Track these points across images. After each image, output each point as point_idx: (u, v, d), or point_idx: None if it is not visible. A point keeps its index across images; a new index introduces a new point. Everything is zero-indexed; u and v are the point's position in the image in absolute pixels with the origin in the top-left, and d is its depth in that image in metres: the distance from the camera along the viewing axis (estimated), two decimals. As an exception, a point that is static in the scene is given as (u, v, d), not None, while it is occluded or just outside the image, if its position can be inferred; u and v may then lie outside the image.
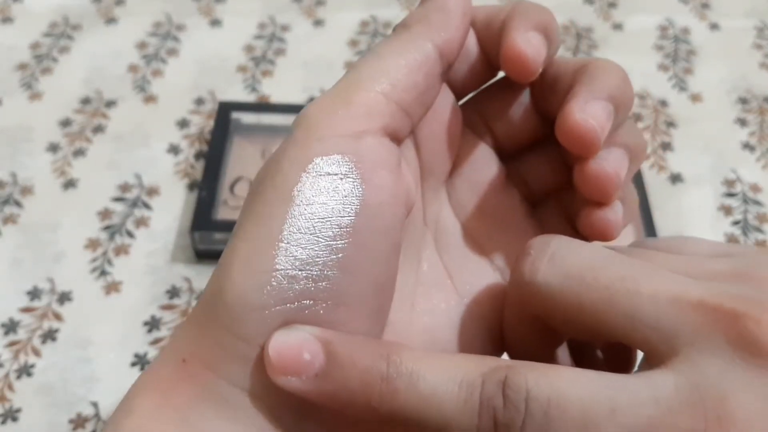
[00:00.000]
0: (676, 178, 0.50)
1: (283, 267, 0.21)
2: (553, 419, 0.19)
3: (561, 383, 0.19)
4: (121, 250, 0.45)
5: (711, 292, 0.20)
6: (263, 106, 0.52)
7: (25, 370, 0.40)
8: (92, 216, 0.46)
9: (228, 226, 0.43)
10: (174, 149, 0.50)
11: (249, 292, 0.21)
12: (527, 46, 0.24)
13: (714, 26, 0.60)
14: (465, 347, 0.25)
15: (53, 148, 0.50)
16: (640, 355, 0.22)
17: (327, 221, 0.21)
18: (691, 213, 0.48)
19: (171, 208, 0.47)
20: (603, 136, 0.23)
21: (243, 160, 0.48)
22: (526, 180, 0.28)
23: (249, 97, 0.53)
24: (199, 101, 0.53)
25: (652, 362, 0.20)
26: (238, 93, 0.54)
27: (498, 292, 0.26)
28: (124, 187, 0.48)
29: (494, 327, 0.26)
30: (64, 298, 0.43)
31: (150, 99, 0.53)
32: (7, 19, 0.58)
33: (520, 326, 0.25)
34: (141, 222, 0.46)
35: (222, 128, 0.49)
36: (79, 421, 0.38)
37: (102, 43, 0.56)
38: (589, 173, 0.24)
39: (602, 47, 0.58)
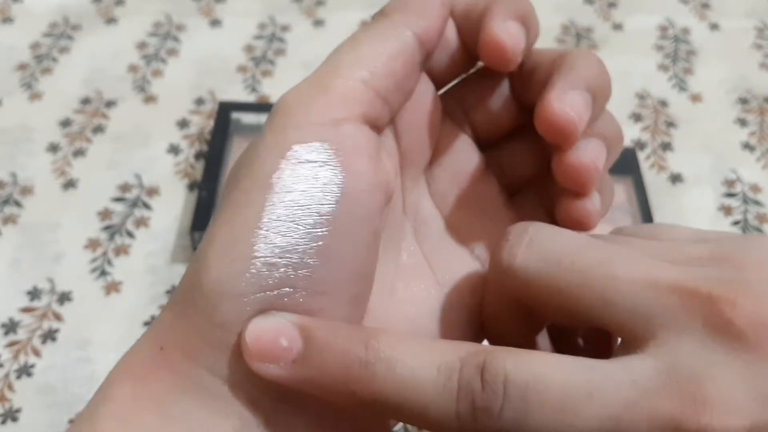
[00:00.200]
0: (676, 178, 0.50)
1: (262, 254, 0.21)
2: (531, 403, 0.19)
3: (539, 367, 0.19)
4: (121, 250, 0.45)
5: (686, 276, 0.20)
6: (263, 106, 0.52)
7: (25, 370, 0.40)
8: (92, 216, 0.46)
9: (228, 226, 0.43)
10: (174, 149, 0.50)
11: (227, 280, 0.21)
12: (506, 35, 0.24)
13: (714, 26, 0.60)
14: (445, 335, 0.25)
15: (53, 148, 0.50)
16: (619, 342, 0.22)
17: (307, 209, 0.21)
18: (691, 213, 0.48)
19: (171, 208, 0.47)
20: (582, 127, 0.23)
21: (243, 160, 0.48)
22: (505, 169, 0.28)
23: (249, 97, 0.53)
24: (199, 101, 0.53)
25: (629, 346, 0.20)
26: (238, 93, 0.54)
27: (477, 280, 0.26)
28: (124, 187, 0.48)
29: (474, 314, 0.26)
30: (64, 298, 0.43)
31: (150, 99, 0.53)
32: (7, 19, 0.58)
33: (499, 313, 0.25)
34: (141, 222, 0.46)
35: (222, 128, 0.49)
36: (79, 421, 0.38)
37: (102, 43, 0.56)
38: (568, 164, 0.24)
39: (602, 47, 0.58)
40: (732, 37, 0.60)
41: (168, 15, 0.59)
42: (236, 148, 0.48)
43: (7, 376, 0.40)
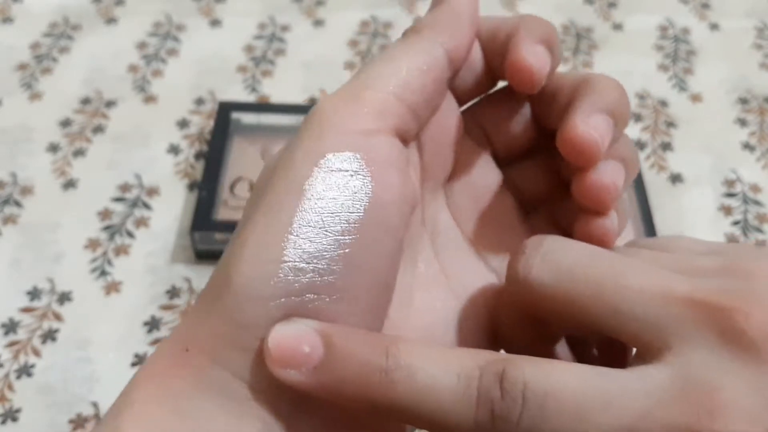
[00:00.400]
0: (676, 178, 0.50)
1: (291, 259, 0.21)
2: (549, 411, 0.19)
3: (557, 376, 0.19)
4: (121, 250, 0.45)
5: (699, 287, 0.20)
6: (263, 106, 0.52)
7: (25, 370, 0.40)
8: (92, 216, 0.46)
9: (228, 227, 0.43)
10: (174, 149, 0.50)
11: (256, 282, 0.21)
12: (534, 59, 0.24)
13: (714, 26, 0.60)
14: (461, 344, 0.26)
15: (53, 148, 0.50)
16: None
17: (336, 216, 0.21)
18: (691, 213, 0.48)
19: (171, 208, 0.47)
20: (604, 148, 0.24)
21: (243, 160, 0.48)
22: (521, 187, 0.28)
23: (249, 97, 0.53)
24: (199, 101, 0.53)
25: (644, 356, 0.20)
26: (238, 93, 0.54)
27: (493, 292, 0.27)
28: (124, 187, 0.48)
29: (489, 325, 0.26)
30: (64, 298, 0.43)
31: (150, 99, 0.53)
32: (7, 19, 0.58)
33: (515, 324, 0.25)
34: (141, 222, 0.46)
35: (222, 128, 0.49)
36: (79, 421, 0.38)
37: (102, 43, 0.56)
38: (590, 184, 0.25)
39: (602, 47, 0.58)
40: (732, 37, 0.60)
41: (168, 15, 0.59)
42: (236, 148, 0.48)
43: (7, 376, 0.40)
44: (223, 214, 0.45)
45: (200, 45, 0.57)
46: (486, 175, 0.28)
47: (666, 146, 0.52)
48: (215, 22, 0.58)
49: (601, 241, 0.25)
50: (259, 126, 0.50)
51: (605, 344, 0.28)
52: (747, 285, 0.20)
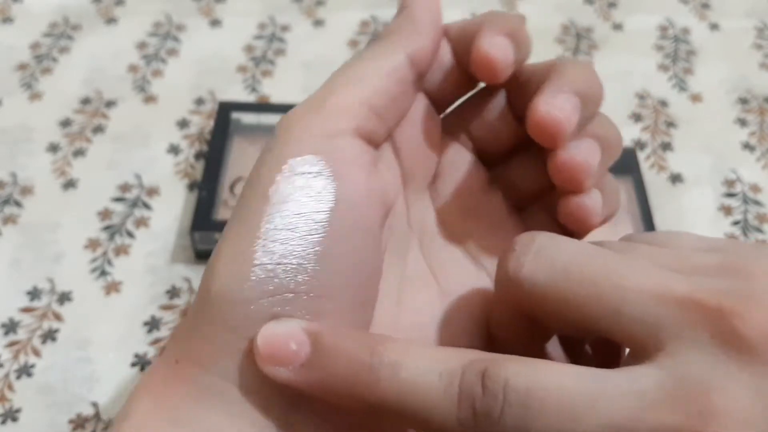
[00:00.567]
0: (676, 178, 0.50)
1: (260, 261, 0.22)
2: (531, 409, 0.19)
3: (540, 374, 0.19)
4: (121, 250, 0.45)
5: (696, 287, 0.20)
6: (263, 106, 0.52)
7: (25, 370, 0.40)
8: (92, 216, 0.46)
9: (228, 226, 0.43)
10: (174, 149, 0.50)
11: (231, 287, 0.22)
12: (495, 49, 0.25)
13: (714, 26, 0.60)
14: (451, 344, 0.26)
15: (53, 148, 0.50)
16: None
17: (302, 216, 0.22)
18: (691, 213, 0.48)
19: (171, 208, 0.47)
20: (569, 127, 0.24)
21: (243, 160, 0.48)
22: (512, 184, 0.29)
23: (249, 97, 0.53)
24: (199, 101, 0.53)
25: (638, 357, 0.20)
26: (238, 93, 0.54)
27: (483, 291, 0.27)
28: (124, 187, 0.48)
29: (480, 324, 0.26)
30: (64, 298, 0.43)
31: (150, 99, 0.53)
32: (7, 19, 0.58)
33: (506, 322, 0.25)
34: (141, 222, 0.46)
35: (222, 128, 0.49)
36: (79, 421, 0.38)
37: (102, 43, 0.56)
38: (560, 163, 0.25)
39: (602, 47, 0.58)
40: (732, 37, 0.60)
41: (168, 15, 0.59)
42: (236, 148, 0.48)
43: (7, 376, 0.40)
44: (223, 214, 0.45)
45: (200, 45, 0.57)
46: (471, 175, 0.28)
47: (666, 146, 0.52)
48: (215, 22, 0.58)
49: (581, 219, 0.26)
50: (259, 126, 0.50)
51: (599, 343, 0.27)
52: (746, 286, 0.20)
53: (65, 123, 0.51)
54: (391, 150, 0.26)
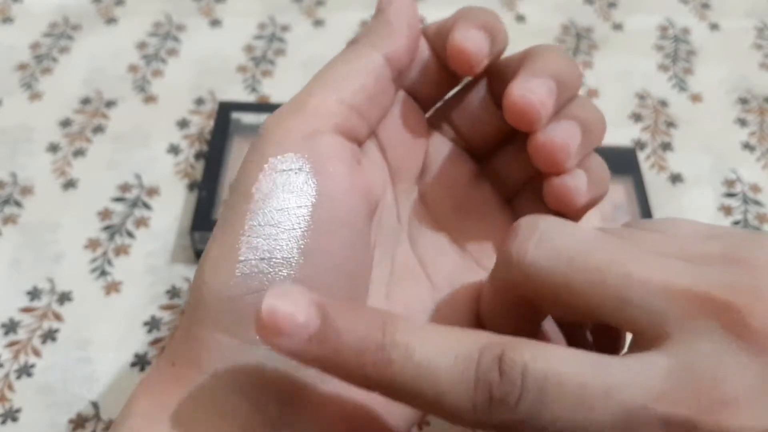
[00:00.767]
0: (676, 178, 0.50)
1: (245, 258, 0.22)
2: (548, 396, 0.19)
3: (557, 361, 0.19)
4: (121, 250, 0.45)
5: (702, 279, 0.20)
6: (263, 106, 0.52)
7: (25, 370, 0.40)
8: (92, 216, 0.46)
9: (228, 226, 0.43)
10: (174, 149, 0.50)
11: (219, 285, 0.22)
12: (468, 42, 0.26)
13: (714, 26, 0.60)
14: None
15: (53, 148, 0.50)
16: (628, 337, 0.21)
17: (284, 212, 0.22)
18: (691, 213, 0.48)
19: (171, 208, 0.47)
20: (544, 110, 0.25)
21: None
22: (501, 175, 0.29)
23: (249, 97, 0.53)
24: (199, 101, 0.53)
25: (642, 344, 0.20)
26: (238, 93, 0.54)
27: (473, 282, 0.27)
28: (124, 187, 0.48)
29: (470, 315, 0.26)
30: (64, 298, 0.43)
31: (150, 99, 0.53)
32: (7, 19, 0.58)
33: (498, 310, 0.25)
34: (141, 222, 0.46)
35: (222, 128, 0.49)
36: (79, 421, 0.38)
37: (102, 43, 0.56)
38: (538, 144, 0.25)
39: (602, 47, 0.58)
40: (732, 37, 0.60)
41: (168, 15, 0.59)
42: (236, 148, 0.48)
43: (7, 376, 0.40)
44: (223, 214, 0.45)
45: (200, 45, 0.57)
46: (458, 168, 0.29)
47: (666, 146, 0.52)
48: (215, 22, 0.58)
49: (564, 198, 0.26)
50: (259, 126, 0.49)
51: (597, 329, 0.27)
52: (750, 278, 0.20)
53: (65, 123, 0.51)
54: (377, 147, 0.27)
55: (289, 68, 0.56)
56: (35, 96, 0.53)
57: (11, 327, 0.41)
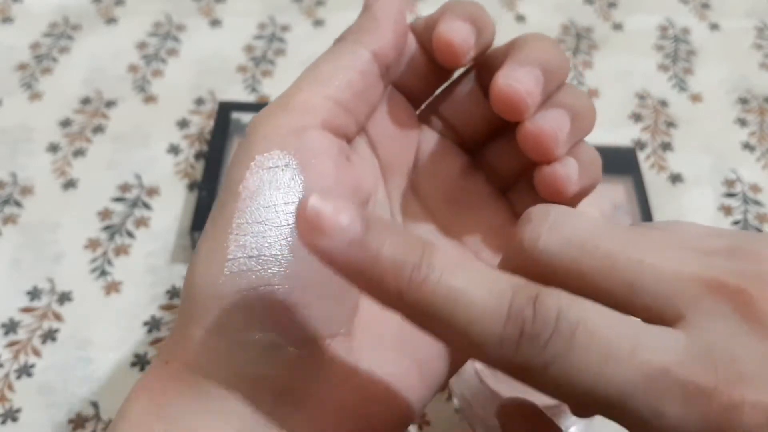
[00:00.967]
0: (676, 178, 0.50)
1: (234, 256, 0.22)
2: (577, 343, 0.19)
3: (592, 312, 0.19)
4: (121, 250, 0.45)
5: (711, 267, 0.20)
6: (263, 106, 0.51)
7: (25, 370, 0.40)
8: (92, 216, 0.46)
9: (228, 226, 0.43)
10: (174, 149, 0.50)
11: (208, 284, 0.22)
12: (453, 33, 0.25)
13: (714, 26, 0.60)
14: None
15: (53, 148, 0.50)
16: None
17: (272, 209, 0.22)
18: (691, 213, 0.48)
19: (171, 208, 0.47)
20: (531, 98, 0.25)
21: (243, 160, 0.48)
22: (492, 166, 0.29)
23: (249, 97, 0.53)
24: (199, 101, 0.53)
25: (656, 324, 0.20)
26: (238, 93, 0.54)
27: None
28: (124, 187, 0.48)
29: None
30: (64, 298, 0.43)
31: (150, 99, 0.53)
32: (7, 19, 0.58)
33: None
34: (141, 222, 0.46)
35: (222, 128, 0.49)
36: (79, 421, 0.38)
37: (102, 43, 0.56)
38: (526, 132, 0.25)
39: (602, 47, 0.58)
40: (732, 37, 0.60)
41: (168, 15, 0.59)
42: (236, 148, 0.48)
43: (7, 376, 0.40)
44: (223, 214, 0.45)
45: (200, 45, 0.57)
46: (450, 161, 0.29)
47: (666, 146, 0.52)
48: (215, 22, 0.58)
49: (555, 186, 0.26)
50: (259, 126, 0.50)
51: None
52: (758, 267, 0.20)
53: (65, 123, 0.51)
54: (367, 143, 0.27)
55: (289, 68, 0.56)
56: (35, 96, 0.53)
57: (11, 327, 0.41)
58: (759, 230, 0.48)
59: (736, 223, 0.48)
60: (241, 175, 0.23)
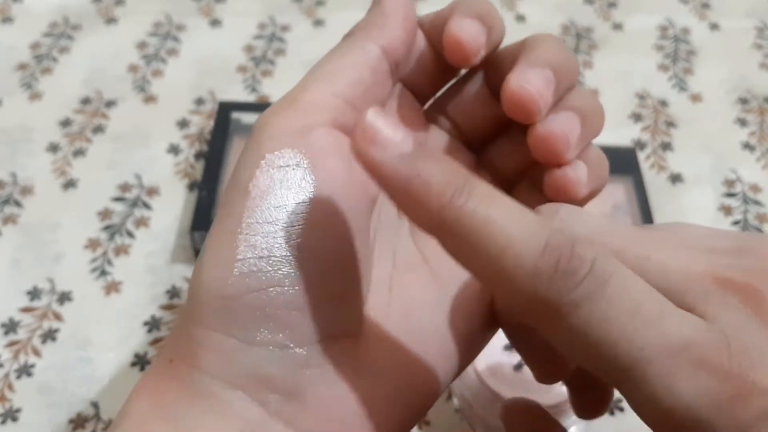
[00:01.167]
0: (676, 178, 0.50)
1: (243, 256, 0.21)
2: (610, 291, 0.18)
3: (624, 270, 0.19)
4: (121, 250, 0.45)
5: (718, 264, 0.21)
6: (263, 106, 0.51)
7: (25, 370, 0.40)
8: (92, 216, 0.46)
9: (228, 226, 0.43)
10: (174, 149, 0.50)
11: (216, 285, 0.21)
12: (463, 32, 0.25)
13: (714, 26, 0.60)
14: (449, 325, 0.25)
15: (53, 148, 0.50)
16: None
17: (282, 209, 0.22)
18: (691, 213, 0.48)
19: (171, 208, 0.47)
20: (543, 101, 0.24)
21: (243, 160, 0.48)
22: (497, 165, 0.29)
23: (249, 97, 0.53)
24: (199, 101, 0.53)
25: None
26: (238, 93, 0.54)
27: None
28: (124, 187, 0.48)
29: (473, 306, 0.26)
30: (64, 298, 0.43)
31: (150, 99, 0.53)
32: (7, 19, 0.58)
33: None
34: (141, 222, 0.46)
35: (222, 128, 0.49)
36: (79, 421, 0.38)
37: (102, 43, 0.56)
38: (537, 135, 0.25)
39: (602, 47, 0.58)
40: (732, 37, 0.60)
41: (168, 15, 0.59)
42: (236, 148, 0.48)
43: (7, 376, 0.40)
44: (223, 214, 0.45)
45: (200, 45, 0.57)
46: (456, 159, 0.28)
47: (666, 146, 0.52)
48: (215, 22, 0.58)
49: (565, 189, 0.26)
50: (259, 126, 0.50)
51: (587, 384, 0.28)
52: (762, 264, 0.20)
53: (65, 123, 0.51)
54: None
55: (289, 68, 0.56)
56: (35, 96, 0.53)
57: (11, 327, 0.41)
58: (759, 230, 0.48)
59: (736, 223, 0.48)
60: (251, 173, 0.22)
